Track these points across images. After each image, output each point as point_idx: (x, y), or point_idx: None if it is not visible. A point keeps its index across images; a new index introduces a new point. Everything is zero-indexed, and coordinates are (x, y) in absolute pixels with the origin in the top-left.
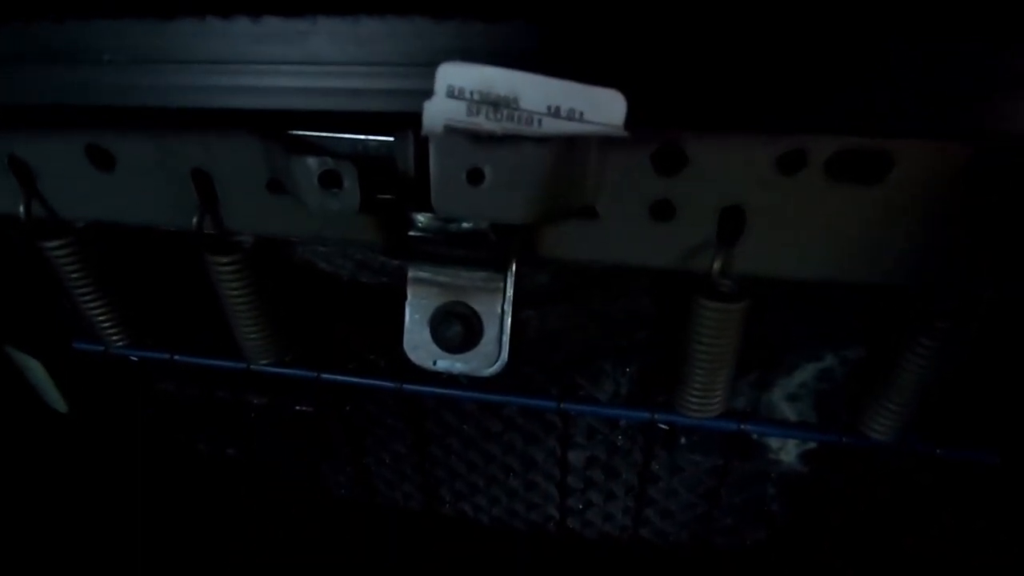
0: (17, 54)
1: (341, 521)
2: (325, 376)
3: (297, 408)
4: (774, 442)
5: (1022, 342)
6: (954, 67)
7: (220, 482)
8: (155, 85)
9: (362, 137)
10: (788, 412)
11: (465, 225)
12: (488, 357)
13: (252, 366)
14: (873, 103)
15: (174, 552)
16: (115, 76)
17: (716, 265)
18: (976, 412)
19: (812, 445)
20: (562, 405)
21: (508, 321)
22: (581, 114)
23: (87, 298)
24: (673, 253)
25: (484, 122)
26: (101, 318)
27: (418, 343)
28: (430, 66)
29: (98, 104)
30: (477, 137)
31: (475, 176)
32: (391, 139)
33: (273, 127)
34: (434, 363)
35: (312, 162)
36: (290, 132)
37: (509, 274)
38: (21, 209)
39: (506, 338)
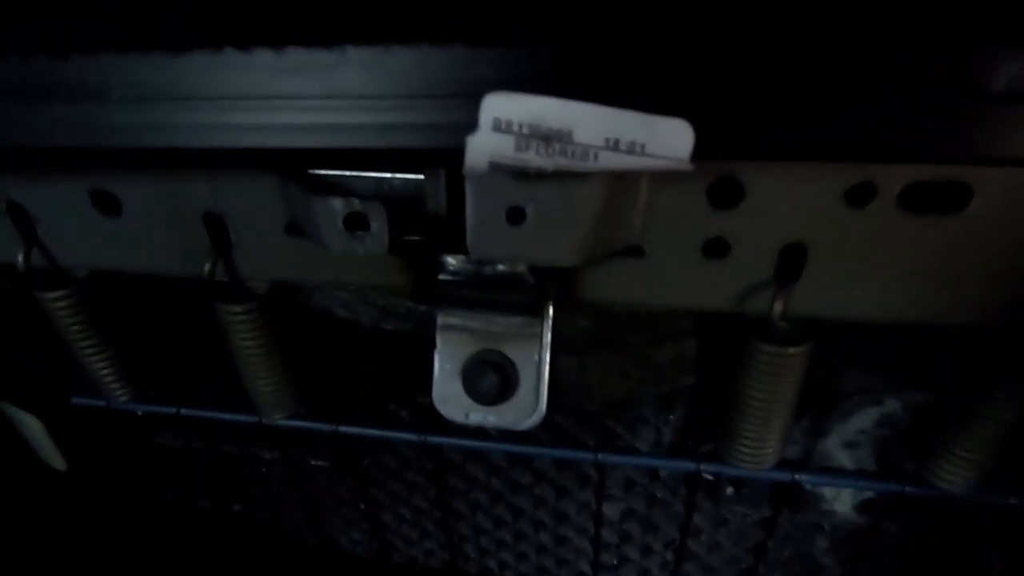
0: (15, 92)
1: (354, 573)
2: (343, 429)
3: (312, 463)
4: (828, 492)
5: None
6: None
7: (225, 540)
8: (169, 124)
9: (388, 176)
10: (845, 460)
11: (500, 267)
12: (525, 409)
13: (264, 420)
14: (948, 129)
15: None
16: (126, 115)
17: (776, 307)
18: None
19: (869, 495)
20: (600, 456)
21: (546, 369)
22: (643, 147)
23: (88, 351)
24: (727, 294)
25: (534, 158)
26: (102, 372)
27: (449, 395)
28: (470, 98)
29: (107, 146)
30: (520, 174)
31: (516, 215)
32: (420, 177)
33: (292, 166)
34: (467, 416)
35: (337, 204)
36: (311, 172)
37: (546, 319)
38: (20, 258)
39: (544, 388)
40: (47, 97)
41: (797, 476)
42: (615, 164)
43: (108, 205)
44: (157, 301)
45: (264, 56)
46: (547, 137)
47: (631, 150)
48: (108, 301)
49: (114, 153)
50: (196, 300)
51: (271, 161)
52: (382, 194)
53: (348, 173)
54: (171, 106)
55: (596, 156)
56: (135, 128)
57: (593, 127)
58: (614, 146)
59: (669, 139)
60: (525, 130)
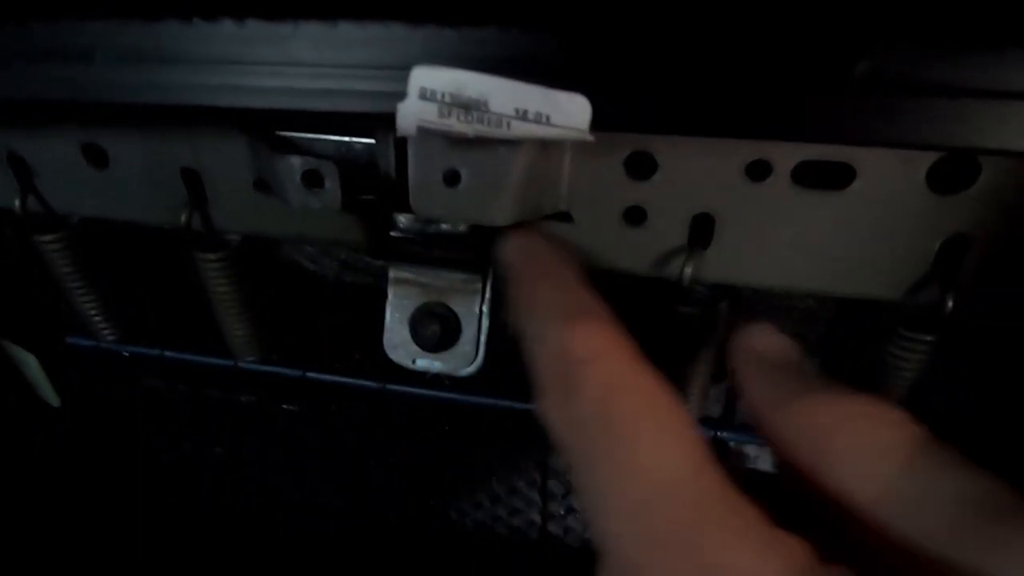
0: (13, 52)
1: (325, 523)
2: (310, 375)
3: (284, 407)
4: (752, 451)
5: (990, 361)
6: (913, 77)
7: (207, 483)
8: (144, 83)
9: (346, 139)
10: None
11: (444, 227)
12: (466, 357)
13: (239, 363)
14: (832, 112)
15: (157, 555)
16: (106, 74)
17: (686, 271)
18: (951, 429)
19: None
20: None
21: (486, 322)
22: (548, 118)
23: (79, 292)
24: (646, 258)
25: (456, 124)
26: (93, 313)
27: (398, 342)
28: (405, 69)
29: (90, 100)
30: (453, 140)
31: (452, 178)
32: (373, 141)
33: (260, 127)
34: (413, 362)
35: (295, 161)
36: (276, 133)
37: (488, 276)
38: (17, 203)
39: (484, 339)
40: (40, 58)
41: (719, 433)
42: (525, 132)
43: (97, 158)
44: (147, 250)
45: (227, 26)
46: (466, 106)
47: (538, 120)
48: (100, 248)
49: (100, 108)
50: (181, 250)
51: (240, 121)
52: (340, 156)
53: (310, 136)
54: (147, 67)
55: (509, 124)
56: (116, 86)
57: (505, 98)
58: (523, 116)
59: (570, 112)
60: (447, 99)
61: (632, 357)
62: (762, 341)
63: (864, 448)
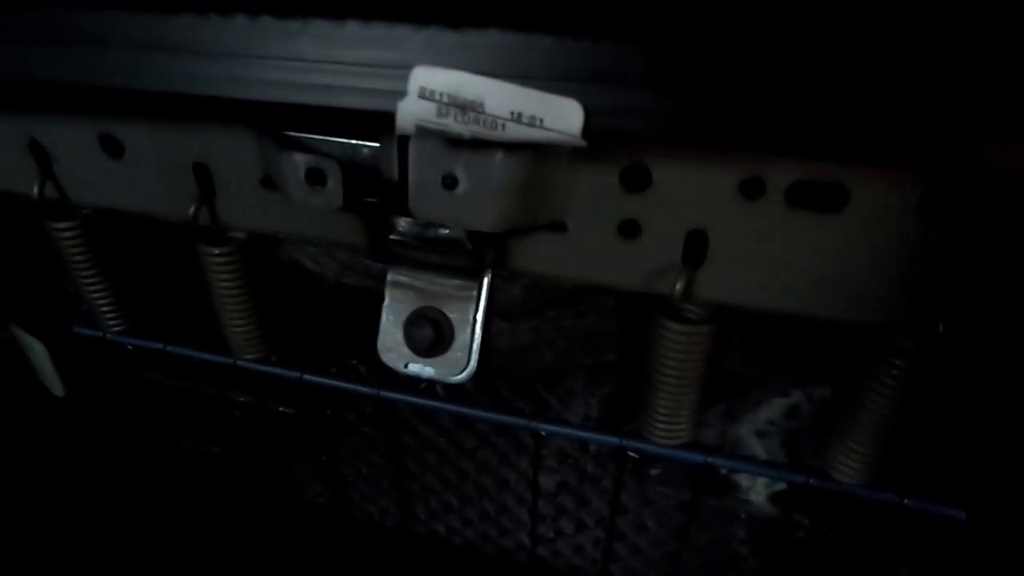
0: (35, 37)
1: (316, 532)
2: (307, 377)
3: (280, 409)
4: (744, 480)
5: (987, 394)
6: (909, 99)
7: (201, 481)
8: (157, 71)
9: (352, 142)
10: (757, 449)
11: (442, 232)
12: (457, 363)
13: (238, 362)
14: (826, 129)
15: (145, 547)
16: (121, 61)
17: (678, 288)
18: (948, 463)
19: (782, 486)
20: (533, 423)
21: (479, 330)
22: (541, 121)
23: (88, 281)
24: (639, 273)
25: (452, 124)
26: (101, 303)
27: (391, 345)
28: (406, 69)
29: (104, 85)
30: (454, 143)
31: (450, 182)
32: (377, 144)
33: (269, 125)
34: (405, 366)
35: (299, 158)
36: (284, 132)
37: (483, 283)
38: (36, 189)
39: (476, 346)
40: (60, 42)
41: (710, 459)
42: (519, 135)
43: (113, 148)
44: (157, 245)
45: (240, 21)
46: (463, 107)
47: (532, 123)
48: (112, 241)
49: (116, 95)
50: (189, 246)
51: (251, 118)
52: (345, 157)
53: (316, 136)
54: (160, 56)
55: (504, 127)
56: (129, 72)
57: (500, 100)
58: (518, 119)
59: (563, 116)
60: (445, 99)
61: None
62: None
63: None
